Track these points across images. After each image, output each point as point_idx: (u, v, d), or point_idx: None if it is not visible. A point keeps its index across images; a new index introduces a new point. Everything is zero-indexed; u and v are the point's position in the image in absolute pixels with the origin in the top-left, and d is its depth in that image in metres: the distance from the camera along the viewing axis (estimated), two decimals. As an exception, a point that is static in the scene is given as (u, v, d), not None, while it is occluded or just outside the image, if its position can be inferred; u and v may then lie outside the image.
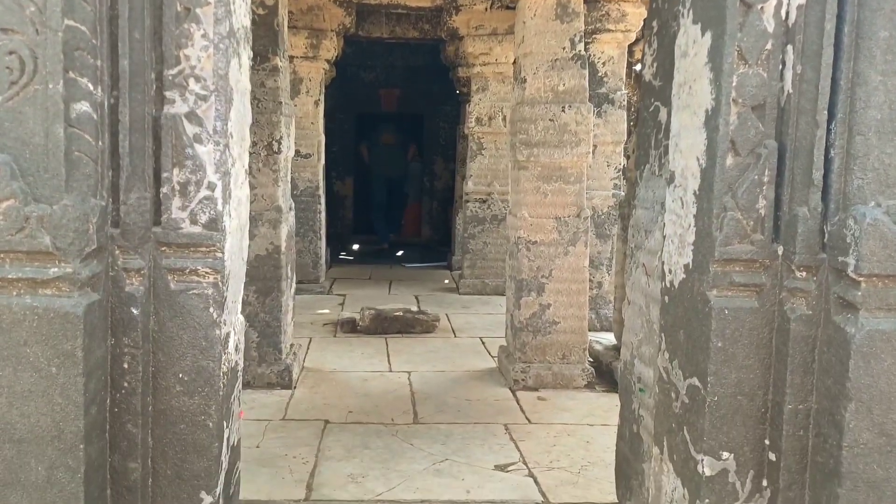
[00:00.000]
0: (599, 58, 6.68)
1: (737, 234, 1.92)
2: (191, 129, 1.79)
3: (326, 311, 7.27)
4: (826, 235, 1.87)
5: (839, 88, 1.89)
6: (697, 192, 2.03)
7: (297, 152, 7.94)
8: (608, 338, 5.49)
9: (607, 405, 4.47)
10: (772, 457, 1.89)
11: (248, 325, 4.70)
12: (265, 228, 4.57)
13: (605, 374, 4.92)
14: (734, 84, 1.95)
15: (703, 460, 1.91)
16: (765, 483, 1.91)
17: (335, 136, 12.68)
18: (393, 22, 9.52)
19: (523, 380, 4.73)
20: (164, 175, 1.80)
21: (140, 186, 1.80)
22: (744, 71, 1.95)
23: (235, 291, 1.98)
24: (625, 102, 6.64)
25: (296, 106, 7.93)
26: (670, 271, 2.17)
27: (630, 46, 7.12)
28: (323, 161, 8.18)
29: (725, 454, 1.91)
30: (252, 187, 4.64)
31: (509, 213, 5.07)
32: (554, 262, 4.73)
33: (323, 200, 8.22)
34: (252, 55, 4.33)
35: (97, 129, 1.74)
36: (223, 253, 1.81)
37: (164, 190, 1.80)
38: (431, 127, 12.92)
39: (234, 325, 1.99)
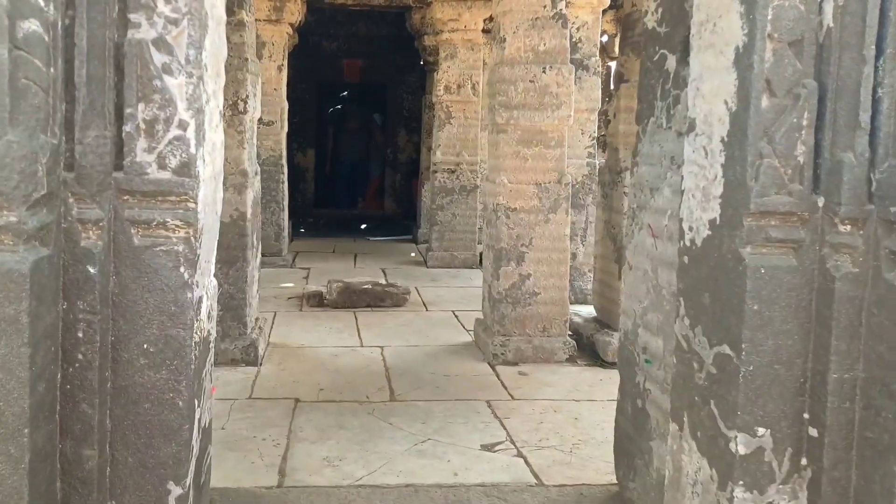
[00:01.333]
0: (574, 23, 6.45)
1: (774, 183, 1.73)
2: (159, 57, 1.53)
3: (291, 284, 6.99)
4: (874, 184, 1.68)
5: (888, 21, 1.70)
6: (726, 139, 1.83)
7: (260, 119, 7.62)
8: (587, 310, 5.32)
9: (591, 379, 4.30)
10: (813, 432, 1.71)
11: (212, 297, 4.43)
12: (230, 193, 4.28)
13: (585, 347, 4.75)
14: (769, 17, 1.74)
15: (735, 437, 1.72)
16: (804, 462, 1.73)
17: (296, 106, 12.26)
18: (357, -15, 9.20)
19: (503, 354, 4.53)
20: (128, 111, 1.53)
21: (99, 123, 1.53)
22: (780, 3, 1.75)
23: (209, 250, 1.72)
24: (599, 69, 6.43)
25: (258, 70, 7.60)
26: (691, 228, 1.97)
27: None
28: (286, 130, 7.85)
29: (761, 430, 1.72)
30: (215, 150, 4.39)
31: (486, 180, 4.85)
32: (534, 231, 4.52)
33: (286, 171, 7.90)
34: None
35: (49, 53, 1.46)
36: (196, 203, 1.55)
37: (127, 128, 1.53)
38: (395, 97, 12.61)
39: (206, 288, 1.73)
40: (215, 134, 1.68)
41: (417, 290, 6.66)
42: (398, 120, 12.63)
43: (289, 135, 12.14)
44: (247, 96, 4.23)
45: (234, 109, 4.22)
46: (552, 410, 3.78)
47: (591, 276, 6.36)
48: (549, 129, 4.49)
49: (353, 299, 6.03)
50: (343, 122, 12.99)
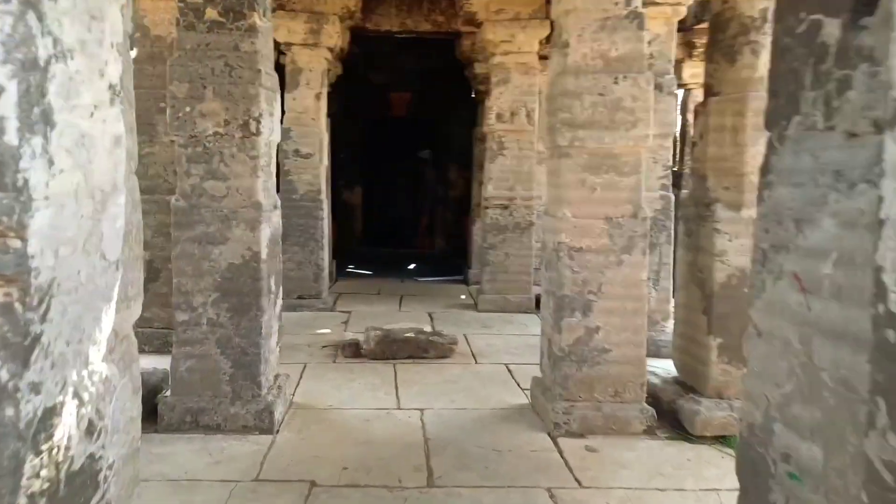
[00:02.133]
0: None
1: None
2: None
3: (327, 330, 6.32)
4: None
5: None
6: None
7: (297, 151, 7.06)
8: (664, 367, 4.51)
9: (676, 459, 3.48)
10: None
11: (220, 351, 3.74)
12: (240, 230, 3.62)
13: (665, 415, 3.93)
14: None
15: None
16: None
17: (343, 142, 11.81)
18: (403, 13, 8.65)
19: (566, 423, 3.74)
20: None
21: None
22: None
23: (79, 321, 1.01)
24: (675, 88, 5.68)
25: (294, 99, 7.05)
26: (896, 282, 1.20)
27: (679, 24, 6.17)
28: (326, 162, 7.26)
29: None
30: (224, 178, 3.72)
31: (545, 214, 4.10)
32: (604, 275, 3.75)
33: (326, 206, 7.27)
34: (223, 10, 3.38)
35: None
36: (26, 240, 0.86)
37: None
38: (445, 132, 12.00)
39: (79, 387, 1.02)
40: (90, 122, 0.98)
41: (466, 339, 5.92)
42: (449, 155, 12.01)
43: (335, 171, 11.65)
44: (260, 115, 3.58)
45: (244, 130, 3.57)
46: (632, 505, 2.99)
47: (667, 326, 5.55)
48: (623, 152, 3.74)
49: (393, 349, 5.32)
50: (391, 161, 12.48)
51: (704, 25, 6.78)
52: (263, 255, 3.69)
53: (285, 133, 7.04)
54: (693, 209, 4.00)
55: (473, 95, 9.37)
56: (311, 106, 7.09)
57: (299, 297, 7.12)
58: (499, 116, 7.22)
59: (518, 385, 4.70)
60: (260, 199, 3.67)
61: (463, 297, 8.21)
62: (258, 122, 3.58)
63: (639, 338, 3.81)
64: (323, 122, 7.21)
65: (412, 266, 10.84)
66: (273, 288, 3.90)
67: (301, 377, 4.80)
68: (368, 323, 6.11)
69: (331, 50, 7.27)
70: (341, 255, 11.28)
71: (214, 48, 3.60)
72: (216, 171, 3.64)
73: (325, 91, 7.24)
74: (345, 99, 11.67)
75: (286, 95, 7.08)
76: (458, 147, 11.95)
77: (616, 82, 3.69)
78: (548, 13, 7.19)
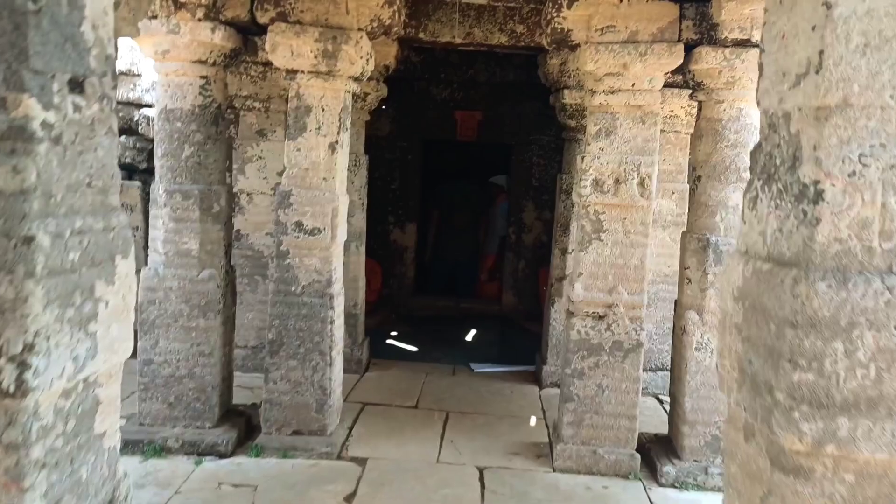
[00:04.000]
0: None
1: None
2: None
3: (321, 515, 4.15)
4: None
5: None
6: None
7: (300, 225, 4.87)
8: None
9: None
10: None
11: None
12: None
13: None
14: None
15: None
16: None
17: (393, 169, 9.61)
18: (470, 20, 6.36)
19: None
20: None
21: None
22: None
23: None
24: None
25: (298, 150, 4.86)
26: None
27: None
28: (341, 239, 5.04)
29: None
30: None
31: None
32: None
33: (339, 302, 5.07)
34: None
35: None
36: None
37: None
38: (522, 161, 9.66)
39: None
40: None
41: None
42: (525, 190, 9.67)
43: (383, 206, 9.46)
44: None
45: None
46: None
47: None
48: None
49: None
50: (455, 193, 10.22)
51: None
52: None
53: (283, 198, 4.86)
54: None
55: (560, 127, 7.01)
56: (323, 160, 4.88)
57: (294, 433, 4.96)
58: (597, 183, 4.87)
59: None
60: None
61: (532, 421, 5.91)
62: None
63: None
64: (340, 181, 5.00)
65: (471, 335, 8.59)
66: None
67: None
68: (388, 490, 3.95)
69: (356, 80, 5.04)
70: (385, 311, 9.11)
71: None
72: None
73: (345, 138, 5.02)
74: (398, 115, 9.46)
75: (287, 144, 4.90)
76: (536, 181, 9.61)
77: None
78: (681, 34, 4.78)
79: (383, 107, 9.27)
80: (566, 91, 6.49)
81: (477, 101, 9.48)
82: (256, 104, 6.50)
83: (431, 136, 9.76)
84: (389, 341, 8.07)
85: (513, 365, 7.25)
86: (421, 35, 6.40)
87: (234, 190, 6.49)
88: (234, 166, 6.50)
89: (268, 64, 5.86)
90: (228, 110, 6.71)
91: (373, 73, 6.41)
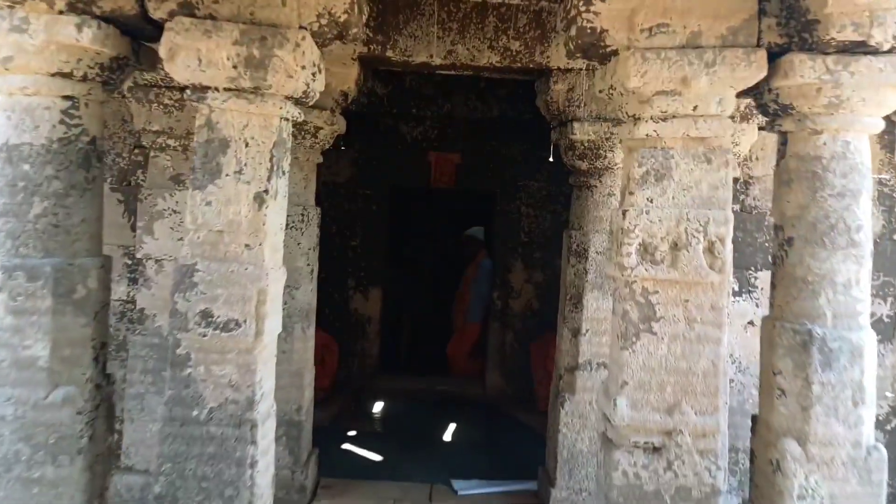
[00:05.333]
0: None
1: None
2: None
3: None
4: None
5: None
6: None
7: (207, 315, 3.23)
8: None
9: None
10: None
11: None
12: None
13: None
14: None
15: None
16: None
17: (354, 223, 8.04)
18: (452, 34, 4.90)
19: None
20: None
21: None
22: None
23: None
24: None
25: (209, 205, 3.25)
26: None
27: None
28: (271, 334, 3.41)
29: None
30: None
31: None
32: None
33: (267, 430, 3.41)
34: None
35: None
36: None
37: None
38: (507, 212, 8.15)
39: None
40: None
41: None
42: (513, 247, 8.14)
43: (341, 268, 7.88)
44: None
45: None
46: None
47: None
48: None
49: None
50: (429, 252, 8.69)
51: None
52: None
53: (183, 276, 3.24)
54: None
55: (568, 170, 5.50)
56: (246, 218, 3.29)
57: None
58: (645, 250, 3.34)
59: None
60: None
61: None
62: None
63: None
64: (272, 249, 3.40)
65: (450, 431, 6.96)
66: None
67: None
68: None
69: (297, 102, 3.49)
70: (342, 399, 7.44)
71: None
72: None
73: (280, 185, 3.44)
74: (361, 157, 7.94)
75: (192, 195, 3.30)
76: (526, 235, 8.10)
77: None
78: (760, 36, 3.33)
79: (342, 146, 7.80)
80: (576, 124, 5.00)
81: (455, 140, 8.00)
82: (171, 142, 4.90)
83: (401, 183, 8.22)
84: (347, 446, 6.39)
85: (507, 481, 5.60)
86: (389, 53, 4.92)
87: (139, 255, 4.86)
88: (140, 224, 4.89)
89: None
90: (136, 150, 5.12)
91: (327, 102, 4.88)
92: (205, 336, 3.21)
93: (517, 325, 8.08)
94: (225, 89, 3.23)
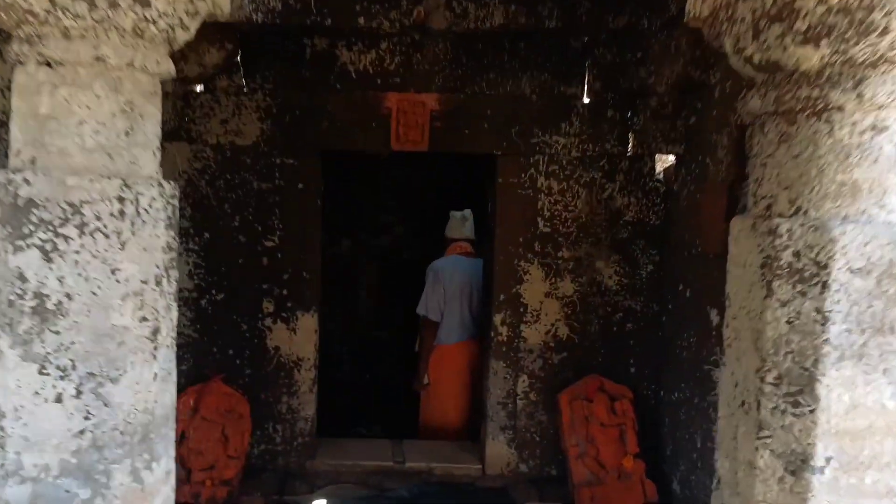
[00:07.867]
0: None
1: None
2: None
3: None
4: None
5: None
6: None
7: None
8: None
9: None
10: None
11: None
12: None
13: None
14: None
15: None
16: None
17: (272, 210, 4.94)
18: None
19: None
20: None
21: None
22: None
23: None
24: None
25: None
26: None
27: None
28: None
29: None
30: None
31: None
32: None
33: None
34: None
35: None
36: None
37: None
38: (515, 187, 5.13)
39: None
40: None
41: None
42: (524, 240, 5.14)
43: (246, 288, 4.78)
44: None
45: None
46: None
47: None
48: None
49: None
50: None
51: None
52: None
53: None
54: None
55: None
56: None
57: None
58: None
59: None
60: None
61: None
62: None
63: None
64: None
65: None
66: None
67: None
68: None
69: None
70: (256, 497, 4.40)
71: None
72: None
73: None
74: (277, 105, 4.85)
75: None
76: (547, 224, 5.13)
77: None
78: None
79: (244, 88, 4.73)
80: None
81: (429, 72, 4.95)
82: None
83: (341, 146, 5.10)
84: None
85: None
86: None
87: None
88: None
89: None
90: None
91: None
92: None
93: (533, 364, 5.12)
94: None
